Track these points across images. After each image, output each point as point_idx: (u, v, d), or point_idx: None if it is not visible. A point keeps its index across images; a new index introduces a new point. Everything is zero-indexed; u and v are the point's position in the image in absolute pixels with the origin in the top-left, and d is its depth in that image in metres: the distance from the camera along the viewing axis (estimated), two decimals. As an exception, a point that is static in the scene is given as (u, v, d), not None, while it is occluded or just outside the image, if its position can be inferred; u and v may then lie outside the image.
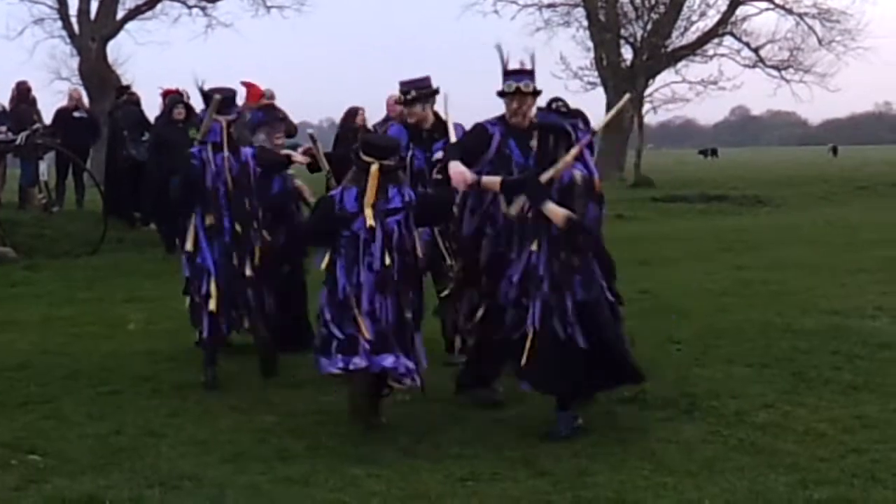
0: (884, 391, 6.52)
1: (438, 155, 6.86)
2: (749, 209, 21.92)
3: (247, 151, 7.30)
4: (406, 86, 7.33)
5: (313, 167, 7.78)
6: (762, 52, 33.22)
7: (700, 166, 51.34)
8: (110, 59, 28.81)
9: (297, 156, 7.70)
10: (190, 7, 29.55)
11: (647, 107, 32.81)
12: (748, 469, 5.16)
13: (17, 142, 14.85)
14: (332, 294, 5.93)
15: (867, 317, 8.90)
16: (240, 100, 10.19)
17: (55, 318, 9.56)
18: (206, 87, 7.19)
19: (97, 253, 13.59)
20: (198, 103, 8.55)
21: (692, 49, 32.85)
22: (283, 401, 6.57)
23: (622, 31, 32.42)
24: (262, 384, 6.99)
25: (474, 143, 6.42)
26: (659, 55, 31.95)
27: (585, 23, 33.04)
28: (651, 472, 5.16)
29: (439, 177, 6.75)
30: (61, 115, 16.52)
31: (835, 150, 62.06)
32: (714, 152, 68.18)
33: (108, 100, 22.01)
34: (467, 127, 7.09)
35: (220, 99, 7.09)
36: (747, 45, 33.20)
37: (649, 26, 31.95)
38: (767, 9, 33.07)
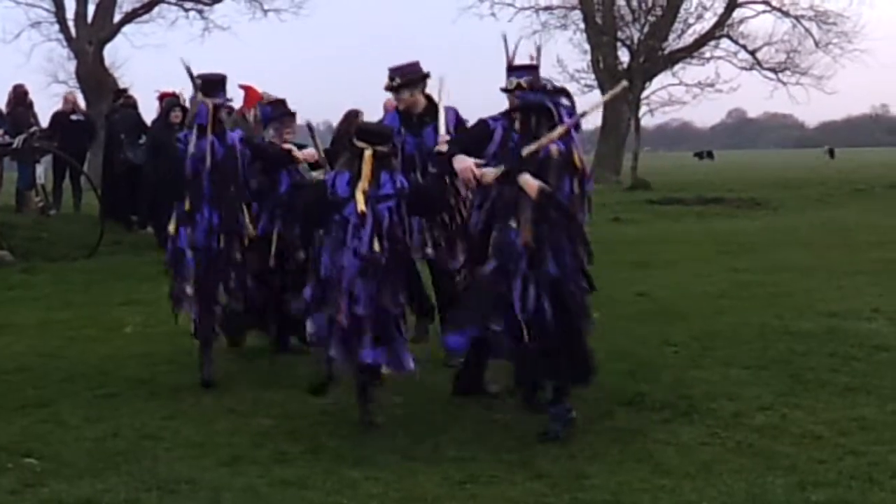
0: (881, 393, 6.52)
1: (442, 146, 6.76)
2: (746, 211, 21.92)
3: (234, 136, 7.24)
4: (392, 72, 7.30)
5: (316, 165, 7.74)
6: (759, 55, 33.31)
7: (697, 169, 51.37)
8: (107, 62, 28.87)
9: (298, 152, 7.61)
10: (187, 10, 29.60)
11: (643, 109, 32.84)
12: (746, 471, 5.16)
13: (14, 145, 14.85)
14: (316, 274, 6.01)
15: (864, 319, 8.90)
16: (238, 103, 10.23)
17: (52, 321, 9.54)
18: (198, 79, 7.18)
19: (94, 256, 13.57)
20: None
21: (689, 51, 32.89)
22: (280, 403, 6.56)
23: (619, 34, 32.44)
24: (259, 386, 6.98)
25: (475, 138, 6.40)
26: (655, 58, 31.97)
27: (582, 25, 33.11)
28: (649, 474, 5.16)
29: (434, 170, 6.74)
30: (58, 118, 16.51)
31: (832, 153, 62.00)
32: (710, 154, 68.15)
33: (104, 103, 22.04)
34: (460, 112, 7.14)
35: (204, 79, 7.09)
36: (744, 47, 33.26)
37: (646, 29, 31.96)
38: (764, 11, 33.15)
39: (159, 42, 43.06)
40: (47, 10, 28.79)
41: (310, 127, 7.76)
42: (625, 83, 7.36)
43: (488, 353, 6.13)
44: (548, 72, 6.27)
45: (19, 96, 16.26)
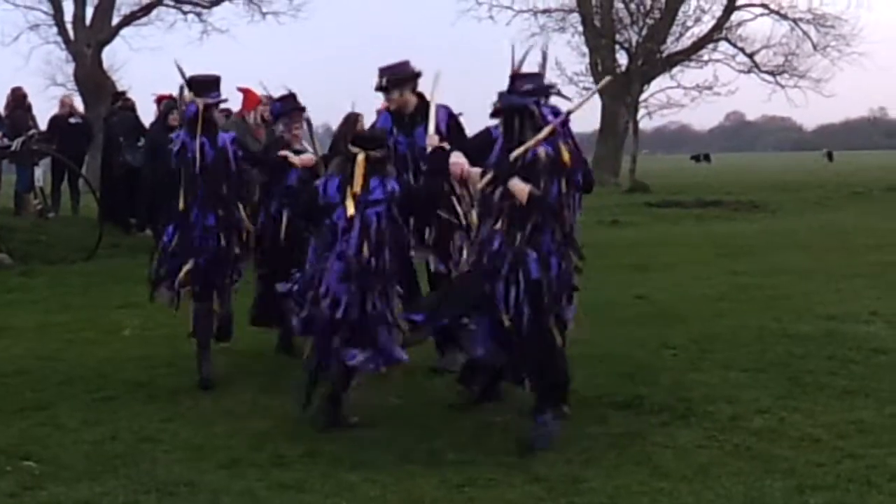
0: (879, 396, 6.52)
1: (431, 143, 6.64)
2: (744, 214, 21.93)
3: (225, 137, 7.22)
4: (381, 72, 7.25)
5: (313, 171, 7.69)
6: (757, 58, 33.38)
7: (695, 172, 51.39)
8: (105, 64, 28.91)
9: (294, 157, 7.53)
10: (185, 13, 29.63)
11: (642, 112, 32.88)
12: (744, 474, 5.16)
13: (13, 148, 14.83)
14: (303, 273, 6.12)
15: (862, 322, 8.91)
16: (237, 106, 10.23)
17: (50, 324, 9.54)
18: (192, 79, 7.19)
19: (92, 259, 13.56)
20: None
21: (687, 54, 32.94)
22: (278, 406, 6.55)
23: (617, 37, 32.50)
24: (258, 389, 6.98)
25: (477, 146, 6.37)
26: (654, 60, 32.01)
27: (580, 28, 33.16)
28: (646, 477, 5.16)
29: (426, 167, 6.72)
30: (56, 121, 16.50)
31: (830, 156, 62.07)
32: (706, 157, 68.20)
33: (103, 105, 22.04)
34: (454, 109, 7.10)
35: (195, 80, 7.10)
36: (742, 50, 33.33)
37: (644, 31, 32.02)
38: (762, 14, 33.19)
39: (157, 45, 43.28)
40: (45, 13, 28.86)
41: (308, 122, 7.76)
42: (609, 78, 7.31)
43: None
44: (547, 74, 6.19)
45: (18, 99, 16.24)
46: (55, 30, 28.91)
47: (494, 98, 5.95)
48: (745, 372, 7.22)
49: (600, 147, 33.44)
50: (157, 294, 7.31)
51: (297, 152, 7.66)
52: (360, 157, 5.97)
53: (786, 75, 33.37)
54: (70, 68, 29.23)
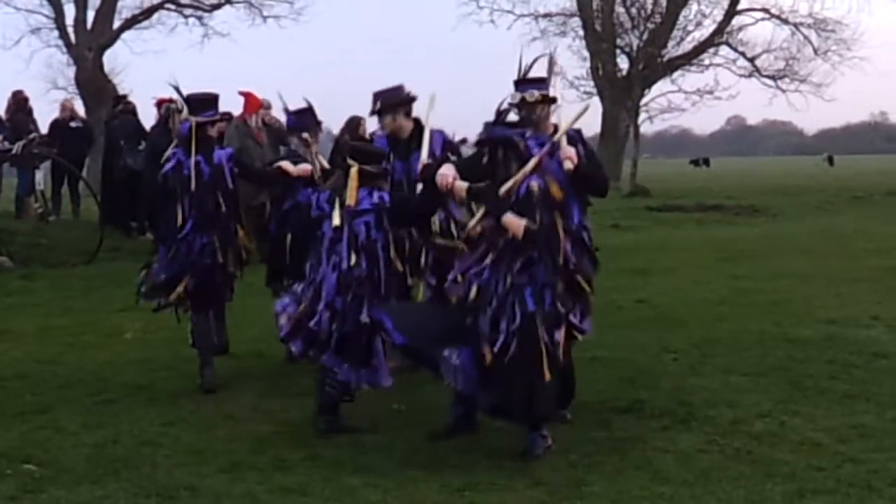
0: (880, 400, 6.52)
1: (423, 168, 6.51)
2: (745, 218, 21.93)
3: (220, 154, 7.17)
4: (374, 97, 7.11)
5: (310, 180, 7.53)
6: (758, 62, 33.33)
7: (696, 176, 51.40)
8: (107, 68, 28.88)
9: (292, 168, 7.25)
10: (186, 17, 29.65)
11: (642, 116, 32.85)
12: (745, 478, 5.16)
13: (14, 151, 14.83)
14: (302, 287, 6.15)
15: (863, 326, 8.91)
16: (238, 109, 10.25)
17: (51, 327, 9.55)
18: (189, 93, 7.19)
19: (93, 262, 13.57)
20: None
21: (688, 59, 32.90)
22: (279, 410, 6.56)
23: (618, 41, 32.47)
24: (259, 393, 6.98)
25: (469, 167, 6.23)
26: (655, 65, 31.98)
27: (581, 32, 33.12)
28: (647, 481, 5.16)
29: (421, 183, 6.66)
30: (57, 125, 16.50)
31: (831, 160, 62.08)
32: (706, 162, 68.22)
33: (104, 109, 22.03)
34: (448, 134, 6.97)
35: (192, 98, 7.10)
36: (743, 54, 33.29)
37: (645, 36, 32.00)
38: (763, 19, 33.19)
39: (159, 48, 43.29)
40: (47, 17, 28.84)
41: (306, 141, 7.39)
42: (586, 104, 7.13)
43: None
44: (553, 79, 6.15)
45: (19, 102, 16.25)
46: (56, 33, 28.92)
47: (494, 99, 5.92)
48: (745, 376, 7.22)
49: (601, 151, 33.23)
50: (143, 303, 7.40)
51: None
52: (354, 169, 5.99)
53: (787, 80, 33.34)
54: (71, 72, 29.23)
